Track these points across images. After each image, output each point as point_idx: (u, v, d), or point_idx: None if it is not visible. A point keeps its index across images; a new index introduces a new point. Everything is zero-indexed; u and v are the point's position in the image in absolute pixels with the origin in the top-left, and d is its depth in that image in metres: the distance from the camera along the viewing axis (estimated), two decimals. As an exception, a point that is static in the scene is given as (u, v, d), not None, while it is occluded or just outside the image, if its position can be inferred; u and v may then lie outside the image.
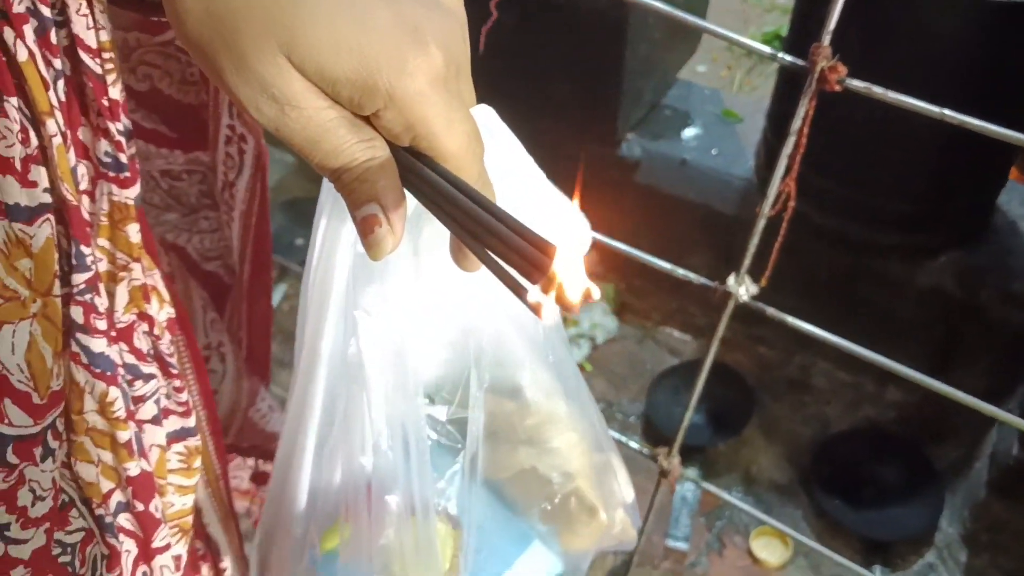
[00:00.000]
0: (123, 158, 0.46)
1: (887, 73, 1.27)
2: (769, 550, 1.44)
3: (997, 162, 1.47)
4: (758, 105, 1.86)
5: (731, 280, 0.94)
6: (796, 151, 0.87)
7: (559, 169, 1.92)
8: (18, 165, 0.41)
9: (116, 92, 0.45)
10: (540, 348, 0.57)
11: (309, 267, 0.55)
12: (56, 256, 0.44)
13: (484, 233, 0.34)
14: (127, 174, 0.47)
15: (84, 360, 0.48)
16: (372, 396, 0.53)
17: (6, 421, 0.45)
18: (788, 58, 0.87)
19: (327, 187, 0.53)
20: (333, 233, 0.52)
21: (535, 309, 0.32)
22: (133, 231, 0.49)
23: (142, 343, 0.53)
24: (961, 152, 1.38)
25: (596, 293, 0.33)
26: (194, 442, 0.58)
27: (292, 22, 0.32)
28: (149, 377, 0.54)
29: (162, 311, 0.55)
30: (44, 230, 0.43)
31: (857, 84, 0.84)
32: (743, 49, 2.78)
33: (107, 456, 0.51)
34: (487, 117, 0.54)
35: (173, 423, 0.57)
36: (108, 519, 0.53)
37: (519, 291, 0.33)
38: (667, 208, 1.73)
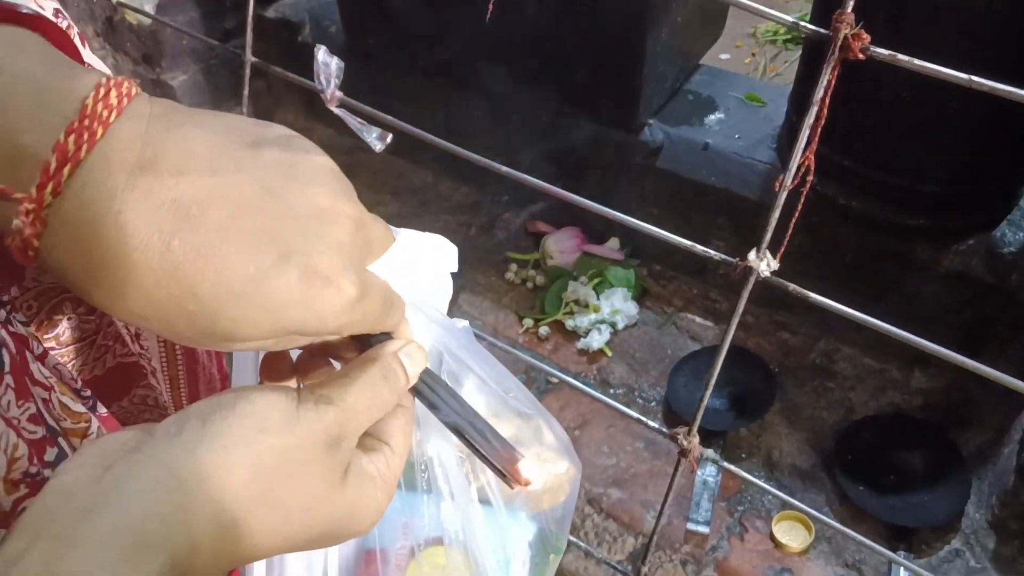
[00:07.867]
0: None
1: (915, 48, 1.25)
2: (792, 534, 1.42)
3: (1027, 143, 1.44)
4: (782, 91, 1.84)
5: (752, 255, 0.93)
6: (817, 122, 0.85)
7: (579, 154, 1.91)
8: None
9: None
10: (466, 364, 0.57)
11: None
12: None
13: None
14: None
15: None
16: None
17: None
18: (810, 27, 0.86)
19: None
20: None
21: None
22: None
23: None
24: (991, 132, 1.36)
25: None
26: None
27: (220, 329, 0.36)
28: None
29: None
30: None
31: (882, 52, 0.82)
32: (766, 35, 2.76)
33: None
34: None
35: None
36: None
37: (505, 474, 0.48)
38: (689, 193, 1.72)
